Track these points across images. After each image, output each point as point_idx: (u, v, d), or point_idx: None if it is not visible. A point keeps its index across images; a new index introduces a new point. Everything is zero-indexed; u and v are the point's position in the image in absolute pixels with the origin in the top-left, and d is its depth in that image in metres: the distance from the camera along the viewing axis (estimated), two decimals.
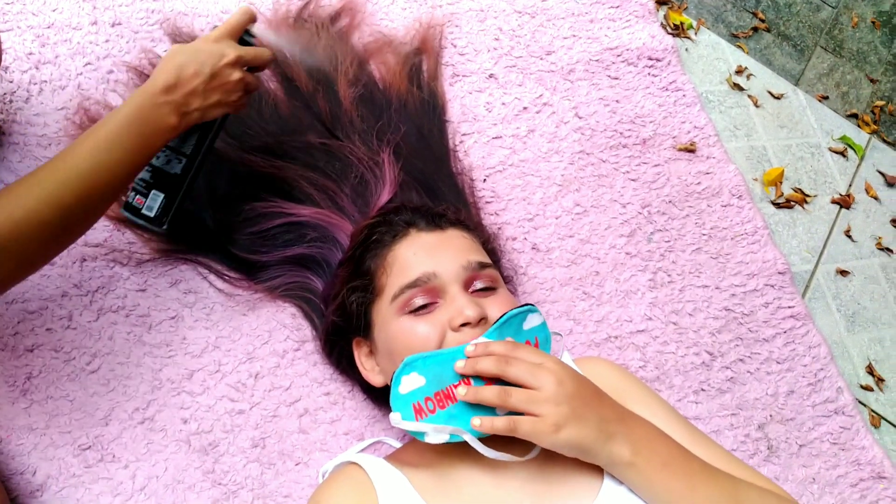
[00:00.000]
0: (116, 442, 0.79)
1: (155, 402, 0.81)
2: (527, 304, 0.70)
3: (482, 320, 0.67)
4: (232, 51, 0.73)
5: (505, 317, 0.67)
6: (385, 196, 0.92)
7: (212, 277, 0.88)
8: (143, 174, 0.81)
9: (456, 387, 0.64)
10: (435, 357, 0.65)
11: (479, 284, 0.71)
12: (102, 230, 0.87)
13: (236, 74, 0.73)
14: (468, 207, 0.97)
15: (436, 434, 0.64)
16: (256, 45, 0.79)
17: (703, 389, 0.95)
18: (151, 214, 0.81)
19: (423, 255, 0.72)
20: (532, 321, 0.70)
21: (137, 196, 0.81)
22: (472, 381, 0.64)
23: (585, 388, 0.63)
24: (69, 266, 0.85)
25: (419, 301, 0.69)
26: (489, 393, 0.62)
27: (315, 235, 0.89)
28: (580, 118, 1.08)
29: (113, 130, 0.67)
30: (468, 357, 0.64)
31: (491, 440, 0.65)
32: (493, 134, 1.04)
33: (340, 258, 0.85)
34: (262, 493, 0.80)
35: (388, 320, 0.71)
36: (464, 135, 1.03)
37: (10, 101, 0.91)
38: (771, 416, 0.96)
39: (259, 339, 0.86)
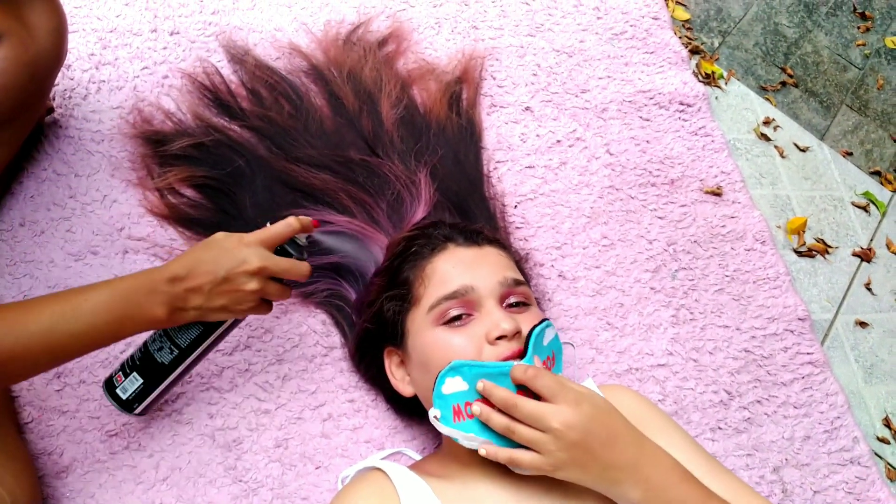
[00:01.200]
0: (143, 431, 0.81)
1: (184, 395, 0.83)
2: (543, 321, 0.72)
3: (517, 334, 0.70)
4: (256, 259, 0.67)
5: (533, 334, 0.69)
6: (420, 213, 0.96)
7: None
8: (136, 353, 0.73)
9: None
10: (482, 367, 0.67)
11: (513, 300, 0.74)
12: (147, 225, 0.90)
13: (252, 284, 0.67)
14: (498, 231, 1.00)
15: (467, 442, 0.66)
16: (300, 255, 0.74)
17: (720, 427, 0.97)
18: (123, 397, 0.72)
19: (461, 268, 0.75)
20: (549, 335, 0.73)
21: (119, 373, 0.73)
22: None
23: (595, 435, 0.63)
24: (112, 256, 0.88)
25: (455, 312, 0.71)
26: (497, 421, 0.64)
27: (353, 245, 0.92)
28: (611, 154, 1.12)
29: (100, 300, 0.64)
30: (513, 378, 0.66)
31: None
32: (527, 163, 1.08)
33: (376, 269, 0.88)
34: (281, 493, 0.81)
35: (424, 330, 0.73)
36: (498, 162, 1.07)
37: (70, 97, 0.96)
38: (786, 459, 0.97)
39: (289, 342, 0.88)
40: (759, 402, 0.99)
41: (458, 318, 0.71)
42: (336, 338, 0.90)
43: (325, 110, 1.02)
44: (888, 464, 1.02)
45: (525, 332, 0.71)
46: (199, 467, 0.81)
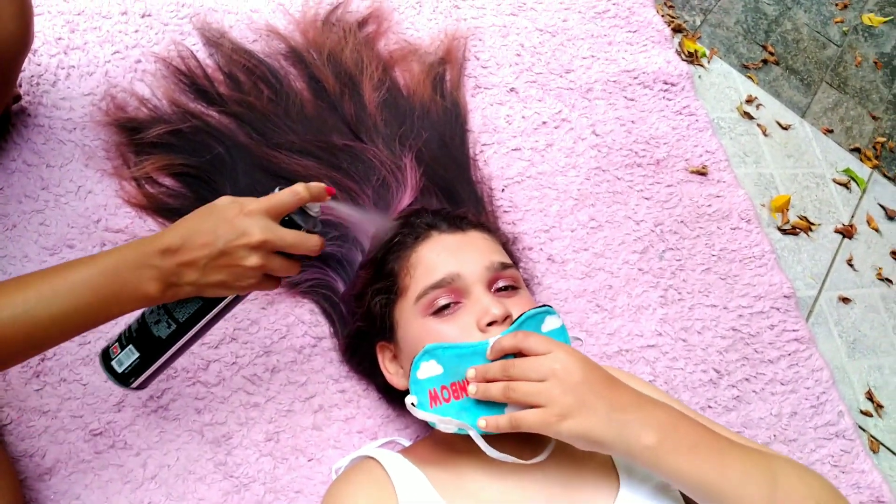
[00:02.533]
0: (129, 429, 0.78)
1: (170, 390, 0.81)
2: (544, 305, 0.70)
3: (507, 318, 0.68)
4: (259, 232, 0.60)
5: (523, 317, 0.67)
6: (406, 200, 0.94)
7: None
8: (134, 324, 0.68)
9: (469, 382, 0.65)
10: (454, 349, 0.66)
11: (501, 284, 0.72)
12: (124, 216, 0.87)
13: (253, 259, 0.60)
14: (486, 215, 0.98)
15: (444, 426, 0.65)
16: (312, 226, 0.66)
17: (710, 406, 0.97)
18: (119, 370, 0.67)
19: (446, 255, 0.73)
20: (550, 324, 0.70)
21: (115, 344, 0.68)
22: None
23: (596, 375, 0.61)
24: (89, 250, 0.84)
25: (443, 301, 0.70)
26: (495, 390, 0.62)
27: (336, 234, 0.90)
28: (597, 136, 1.10)
29: (81, 279, 0.58)
30: (489, 357, 0.64)
31: (500, 440, 0.66)
32: (513, 146, 1.06)
33: (362, 260, 0.86)
34: (273, 487, 0.79)
35: (412, 321, 0.72)
36: (484, 145, 1.05)
37: (37, 84, 0.91)
38: (774, 435, 0.98)
39: (277, 334, 0.86)
40: (747, 379, 1.00)
41: (446, 307, 0.70)
42: (324, 327, 0.88)
43: (305, 94, 0.99)
44: (871, 436, 1.03)
45: (515, 315, 0.69)
46: (188, 464, 0.78)
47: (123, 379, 0.67)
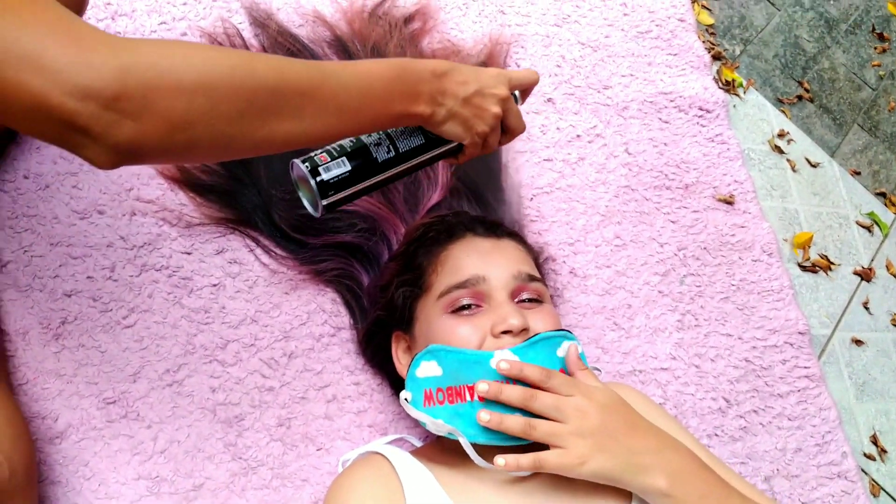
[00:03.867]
0: (143, 401, 0.78)
1: (186, 366, 0.80)
2: (564, 330, 0.69)
3: (524, 331, 0.67)
4: (506, 90, 0.67)
5: (538, 336, 0.67)
6: (435, 198, 0.93)
7: (258, 251, 0.87)
8: (345, 141, 0.65)
9: (470, 388, 0.65)
10: (458, 354, 0.66)
11: (525, 295, 0.72)
12: (156, 187, 0.86)
13: (496, 109, 0.66)
14: (514, 222, 0.97)
15: (434, 427, 0.65)
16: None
17: (716, 434, 0.96)
18: (325, 177, 0.63)
19: (475, 258, 0.72)
20: (567, 350, 0.69)
21: (324, 153, 0.64)
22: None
23: (614, 420, 0.62)
24: (118, 217, 0.84)
25: (464, 301, 0.69)
26: (513, 424, 0.61)
27: (364, 227, 0.89)
28: (629, 154, 1.10)
29: (376, 68, 0.57)
30: (500, 371, 0.63)
31: (491, 449, 0.65)
32: (545, 156, 1.06)
33: (392, 252, 0.86)
34: (281, 472, 0.79)
35: (432, 317, 0.71)
36: (517, 152, 1.05)
37: None
38: (777, 470, 0.97)
39: (297, 320, 0.85)
40: (755, 411, 0.99)
41: (467, 307, 0.69)
42: (345, 318, 0.87)
43: None
44: (872, 479, 1.03)
45: (536, 330, 0.68)
46: (198, 441, 0.78)
47: (324, 188, 0.64)
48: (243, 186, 0.88)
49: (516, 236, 0.79)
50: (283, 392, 0.82)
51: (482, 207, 0.95)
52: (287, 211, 0.88)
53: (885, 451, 1.04)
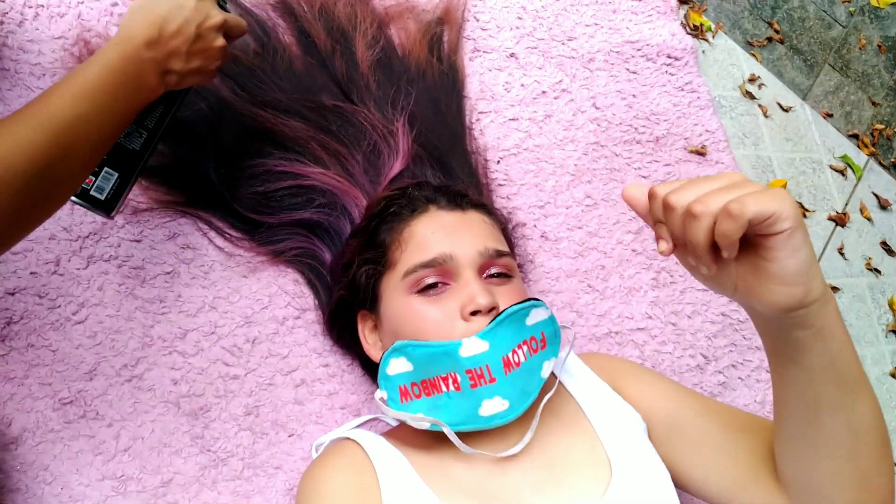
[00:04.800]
0: (101, 398, 0.76)
1: (144, 359, 0.78)
2: (530, 299, 0.68)
3: (493, 309, 0.67)
4: (217, 13, 0.66)
5: (505, 313, 0.66)
6: (397, 167, 0.91)
7: (212, 234, 0.85)
8: None
9: (444, 378, 0.64)
10: (425, 348, 0.65)
11: (493, 271, 0.71)
12: None
13: (220, 41, 0.66)
14: (480, 188, 0.96)
15: (415, 423, 0.65)
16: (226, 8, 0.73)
17: None
18: (101, 197, 0.68)
19: (441, 234, 0.71)
20: (536, 316, 0.69)
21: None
22: (458, 378, 0.64)
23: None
24: (65, 215, 0.80)
25: (430, 280, 0.68)
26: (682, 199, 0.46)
27: (323, 201, 0.87)
28: (597, 109, 1.08)
29: (96, 78, 0.58)
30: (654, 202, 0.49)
31: (474, 435, 0.67)
32: (511, 115, 1.04)
33: (353, 228, 0.84)
34: (252, 462, 0.78)
35: (397, 297, 0.70)
36: (480, 113, 1.02)
37: (2, 24, 0.85)
38: None
39: (258, 304, 0.84)
40: (734, 366, 1.01)
41: (433, 286, 0.68)
42: (309, 299, 0.86)
43: (294, 49, 0.95)
44: None
45: (502, 307, 0.67)
46: (163, 436, 0.77)
47: (108, 206, 0.69)
48: (191, 166, 0.85)
49: (482, 207, 0.77)
50: (248, 379, 0.81)
51: (446, 174, 0.93)
52: (239, 190, 0.85)
53: None
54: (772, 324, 0.50)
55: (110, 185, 0.69)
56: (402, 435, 0.72)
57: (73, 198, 0.68)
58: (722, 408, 0.69)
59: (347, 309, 0.78)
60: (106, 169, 0.68)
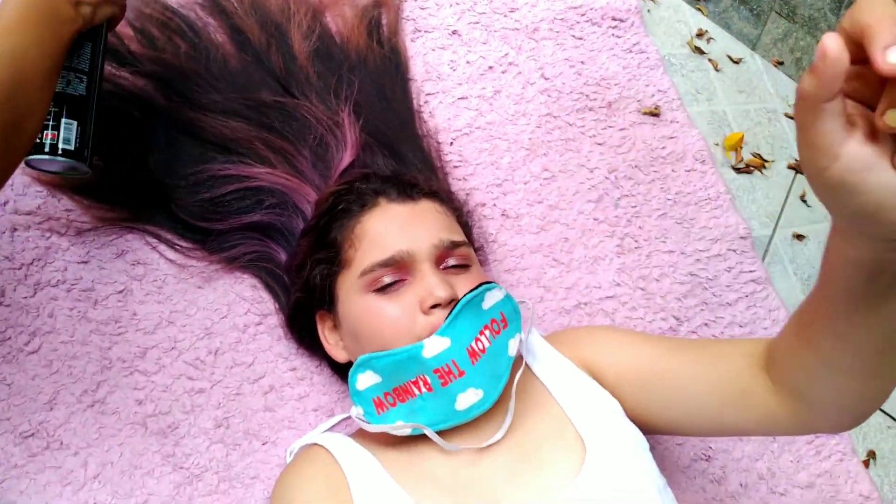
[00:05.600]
0: (64, 427, 0.75)
1: (105, 383, 0.78)
2: (482, 284, 0.68)
3: (453, 300, 0.67)
4: None
5: (459, 305, 0.65)
6: (347, 159, 0.91)
7: (162, 248, 0.84)
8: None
9: (414, 383, 0.65)
10: (387, 358, 0.65)
11: (451, 262, 0.71)
12: (35, 196, 0.81)
13: None
14: (436, 173, 0.96)
15: (398, 431, 0.66)
16: None
17: None
18: (71, 147, 0.70)
19: (394, 229, 0.70)
20: (492, 298, 0.69)
21: (45, 132, 0.68)
22: (428, 379, 0.65)
23: None
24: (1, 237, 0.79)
25: (388, 279, 0.68)
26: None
27: (274, 202, 0.87)
28: (546, 79, 1.08)
29: (16, 14, 0.59)
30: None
31: (454, 430, 0.67)
32: (459, 94, 1.03)
33: (304, 227, 0.83)
34: (227, 475, 0.78)
35: (354, 296, 0.70)
36: (428, 94, 1.02)
37: None
38: None
39: (217, 314, 0.83)
40: (706, 324, 1.03)
41: (390, 284, 0.68)
42: (269, 303, 0.85)
43: (227, 47, 0.94)
44: None
45: (461, 295, 0.68)
46: (133, 458, 0.76)
47: (80, 154, 0.71)
48: (131, 179, 0.84)
49: (434, 195, 0.77)
50: (215, 392, 0.81)
51: (399, 161, 0.93)
52: (184, 198, 0.85)
53: None
54: (867, 252, 0.43)
55: (74, 135, 0.70)
56: (371, 434, 0.72)
57: (41, 157, 0.69)
58: (690, 344, 0.70)
59: (305, 311, 0.78)
60: (64, 120, 0.69)
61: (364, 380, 0.67)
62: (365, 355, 0.67)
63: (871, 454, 1.05)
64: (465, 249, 0.73)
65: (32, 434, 0.74)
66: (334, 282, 0.73)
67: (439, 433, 0.66)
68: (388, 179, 0.77)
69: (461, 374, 0.64)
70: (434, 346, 0.64)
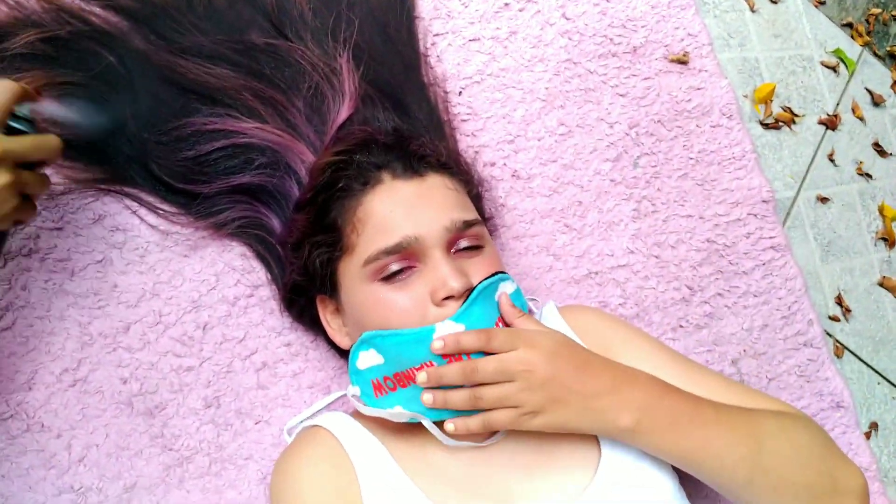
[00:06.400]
0: (44, 408, 0.72)
1: (86, 360, 0.74)
2: (497, 273, 0.66)
3: (467, 290, 0.63)
4: None
5: (474, 293, 0.62)
6: (344, 113, 0.83)
7: (143, 212, 0.78)
8: None
9: (418, 370, 0.61)
10: (396, 337, 0.62)
11: (463, 244, 0.66)
12: None
13: (3, 177, 0.56)
14: (442, 128, 0.89)
15: (394, 417, 0.63)
16: (33, 130, 0.61)
17: (681, 326, 0.97)
18: None
19: (400, 212, 0.65)
20: (505, 290, 0.66)
21: None
22: (435, 365, 0.61)
23: (564, 366, 0.60)
24: None
25: (395, 267, 0.63)
26: (459, 399, 0.60)
27: (264, 161, 0.80)
28: (567, 19, 0.99)
29: None
30: (435, 351, 0.60)
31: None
32: (470, 35, 0.94)
33: (297, 200, 0.77)
34: (219, 456, 0.76)
35: (359, 285, 0.65)
36: (436, 35, 0.93)
37: None
38: (744, 350, 0.99)
39: (205, 285, 0.79)
40: (720, 294, 0.99)
41: (398, 272, 0.64)
42: (261, 273, 0.81)
43: None
44: (836, 341, 1.06)
45: (475, 281, 0.64)
46: (119, 440, 0.74)
47: None
48: (108, 135, 0.76)
49: (443, 168, 0.71)
50: (204, 369, 0.77)
51: (402, 115, 0.86)
52: (166, 157, 0.78)
53: (849, 311, 1.07)
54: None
55: None
56: (379, 419, 0.70)
57: None
58: (697, 378, 0.69)
59: (303, 294, 0.74)
60: None
61: (366, 358, 0.64)
62: (371, 332, 0.63)
63: (874, 426, 1.05)
64: (478, 228, 0.68)
65: (11, 416, 0.71)
66: (335, 267, 0.68)
67: (438, 426, 0.64)
68: (392, 150, 0.70)
69: (468, 361, 0.61)
70: (447, 331, 0.61)
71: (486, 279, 0.64)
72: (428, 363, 0.61)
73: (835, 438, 1.01)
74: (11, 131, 0.59)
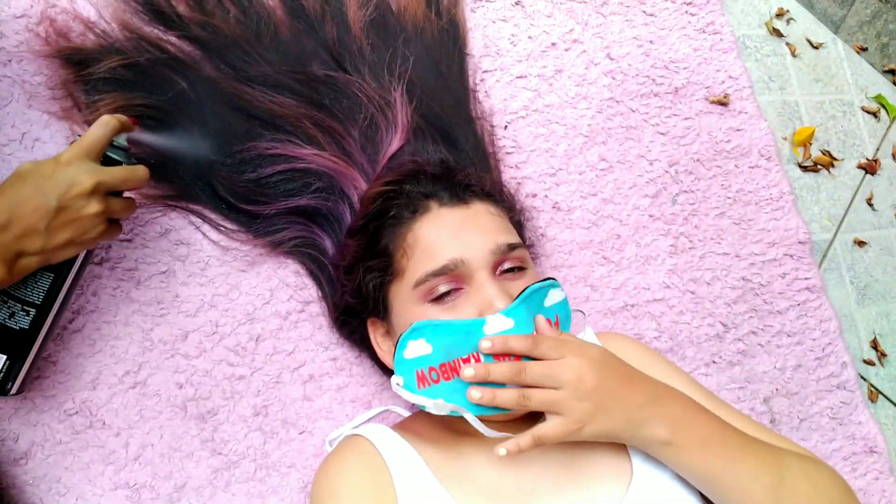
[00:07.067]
0: (106, 407, 0.78)
1: (147, 364, 0.80)
2: (548, 278, 0.70)
3: None
4: (88, 177, 0.61)
5: (526, 291, 0.67)
6: (396, 144, 0.89)
7: (206, 228, 0.84)
8: None
9: (465, 360, 0.65)
10: (447, 327, 0.65)
11: (507, 265, 0.70)
12: None
13: (93, 207, 0.62)
14: (487, 160, 0.94)
15: (435, 409, 0.65)
16: (128, 159, 0.69)
17: (714, 362, 0.99)
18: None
19: (447, 237, 0.69)
20: (553, 297, 0.70)
21: None
22: (482, 358, 0.65)
23: (610, 377, 0.64)
24: None
25: (444, 288, 0.68)
26: (507, 398, 0.63)
27: (320, 185, 0.86)
28: (612, 59, 1.04)
29: None
30: (483, 351, 0.63)
31: (496, 422, 0.68)
32: (517, 73, 1.00)
33: (350, 226, 0.83)
34: (264, 463, 0.81)
35: (409, 306, 0.70)
36: (485, 72, 0.98)
37: None
38: (777, 389, 1.01)
39: (260, 299, 0.84)
40: (753, 332, 1.02)
41: (447, 293, 0.68)
42: (312, 290, 0.86)
43: (279, 13, 0.90)
44: (871, 385, 1.08)
45: None
46: (172, 441, 0.79)
47: (0, 387, 0.67)
48: (177, 155, 0.83)
49: (487, 196, 0.76)
50: (255, 379, 0.82)
51: (450, 147, 0.91)
52: (230, 178, 0.84)
53: (884, 355, 1.09)
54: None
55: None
56: (415, 427, 0.74)
57: None
58: (732, 420, 0.71)
59: (355, 316, 0.78)
60: None
61: (414, 347, 0.67)
62: (422, 321, 0.66)
63: None
64: (520, 252, 0.72)
65: (76, 412, 0.77)
66: (387, 291, 0.73)
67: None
68: (439, 180, 0.75)
69: (517, 360, 0.64)
70: (496, 324, 0.65)
71: (537, 282, 0.68)
72: (475, 354, 0.65)
73: (867, 484, 1.02)
74: (106, 160, 0.66)
